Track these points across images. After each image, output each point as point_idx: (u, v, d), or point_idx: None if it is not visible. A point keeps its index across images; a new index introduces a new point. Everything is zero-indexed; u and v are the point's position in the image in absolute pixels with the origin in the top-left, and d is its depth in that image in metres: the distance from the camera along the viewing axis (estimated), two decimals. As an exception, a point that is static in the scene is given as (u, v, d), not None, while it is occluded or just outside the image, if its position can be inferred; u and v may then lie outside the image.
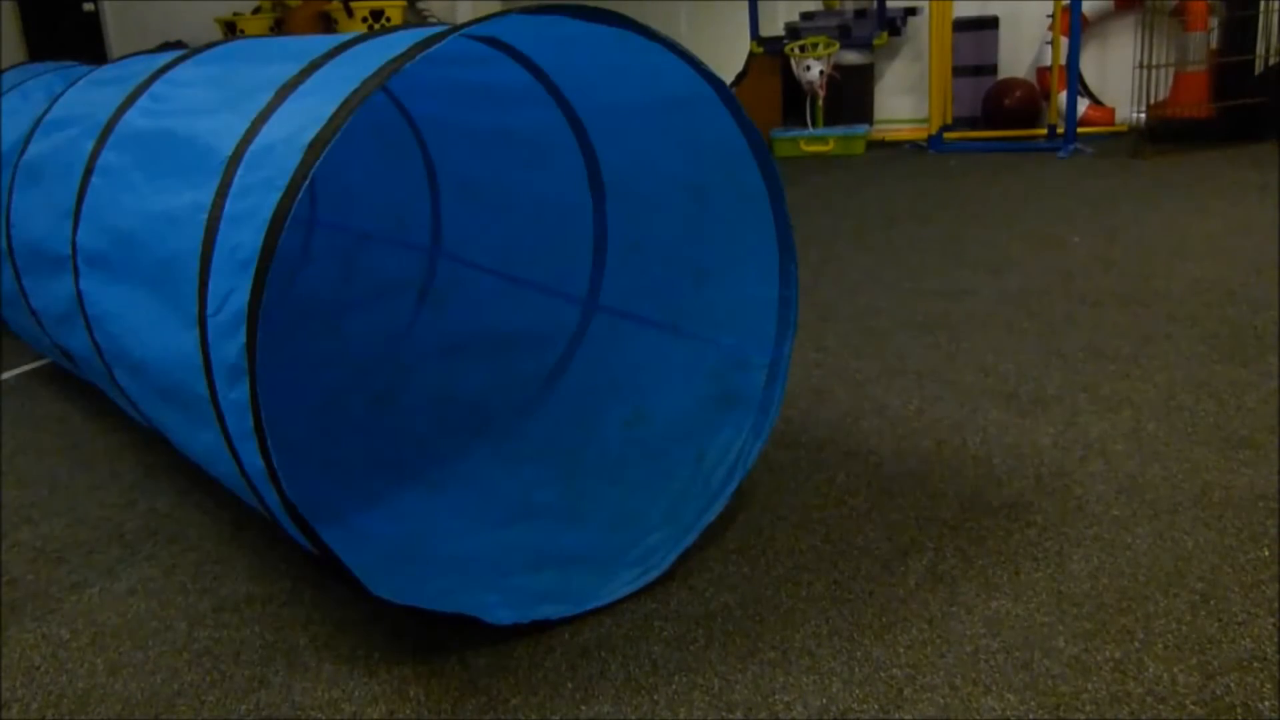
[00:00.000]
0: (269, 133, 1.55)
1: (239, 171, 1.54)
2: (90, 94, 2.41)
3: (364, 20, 6.08)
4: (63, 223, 2.09)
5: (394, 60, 1.45)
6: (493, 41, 2.00)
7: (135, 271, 1.80)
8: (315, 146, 1.43)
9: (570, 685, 1.49)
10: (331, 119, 1.44)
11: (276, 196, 1.42)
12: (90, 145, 2.07)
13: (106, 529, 2.09)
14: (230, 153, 1.58)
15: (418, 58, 1.45)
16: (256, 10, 6.67)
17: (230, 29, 6.35)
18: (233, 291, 1.44)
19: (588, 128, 2.20)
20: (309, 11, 6.27)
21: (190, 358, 1.55)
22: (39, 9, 6.94)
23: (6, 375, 3.18)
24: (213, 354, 1.48)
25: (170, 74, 2.11)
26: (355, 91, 1.45)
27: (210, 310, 1.48)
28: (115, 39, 7.11)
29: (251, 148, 1.55)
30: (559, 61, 2.03)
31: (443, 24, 1.71)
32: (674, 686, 1.48)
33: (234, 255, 1.45)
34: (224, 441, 1.53)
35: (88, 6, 7.08)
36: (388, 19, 6.13)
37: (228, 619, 1.73)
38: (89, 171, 2.03)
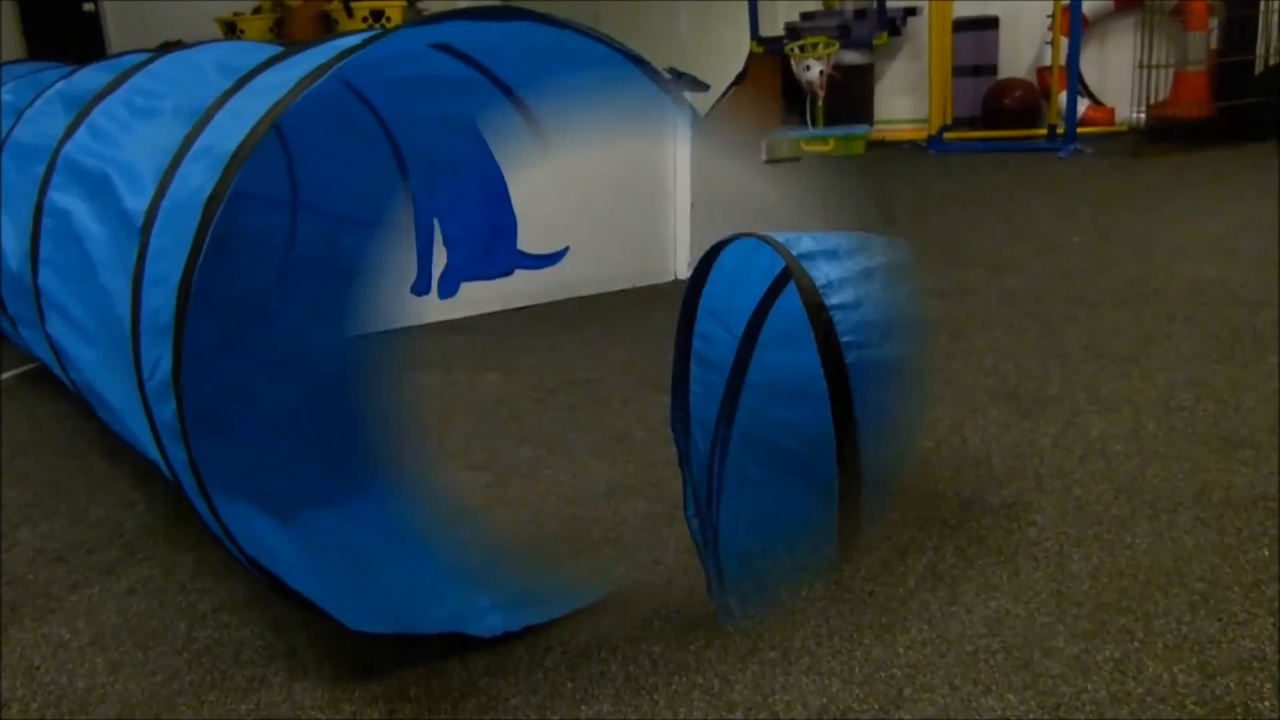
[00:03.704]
0: (176, 189, 1.54)
1: (154, 232, 1.53)
2: (45, 117, 2.37)
3: (364, 20, 6.09)
4: (27, 261, 2.08)
5: (282, 99, 1.43)
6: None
7: (87, 321, 1.82)
8: (212, 203, 1.41)
9: (570, 685, 1.49)
10: (222, 176, 1.42)
11: (183, 260, 1.40)
12: (40, 177, 2.05)
13: (106, 529, 2.09)
14: (145, 210, 1.58)
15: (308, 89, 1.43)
16: (257, 10, 6.67)
17: (230, 29, 6.36)
18: (160, 358, 1.43)
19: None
20: (309, 11, 6.27)
21: (140, 413, 1.56)
22: (39, 9, 6.94)
23: (6, 375, 3.18)
24: (155, 415, 1.48)
25: (105, 104, 2.07)
26: (243, 142, 1.42)
27: (145, 375, 1.48)
28: (115, 39, 7.10)
29: (164, 205, 1.55)
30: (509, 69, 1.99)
31: None
32: (674, 686, 1.47)
33: (155, 320, 1.45)
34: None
35: (88, 6, 7.09)
36: (388, 19, 6.14)
37: (228, 619, 1.73)
38: (39, 211, 2.02)
